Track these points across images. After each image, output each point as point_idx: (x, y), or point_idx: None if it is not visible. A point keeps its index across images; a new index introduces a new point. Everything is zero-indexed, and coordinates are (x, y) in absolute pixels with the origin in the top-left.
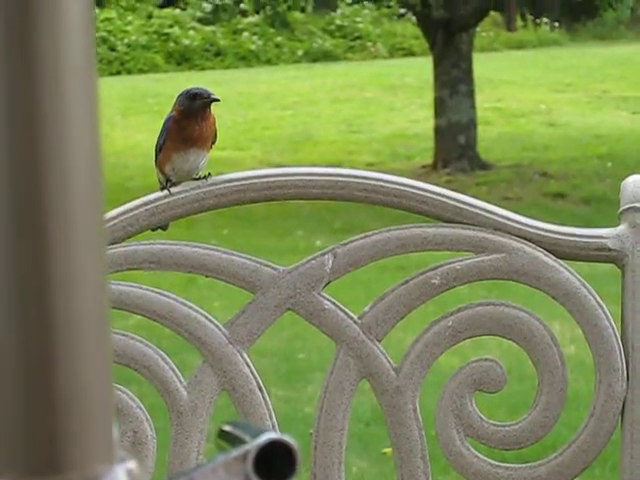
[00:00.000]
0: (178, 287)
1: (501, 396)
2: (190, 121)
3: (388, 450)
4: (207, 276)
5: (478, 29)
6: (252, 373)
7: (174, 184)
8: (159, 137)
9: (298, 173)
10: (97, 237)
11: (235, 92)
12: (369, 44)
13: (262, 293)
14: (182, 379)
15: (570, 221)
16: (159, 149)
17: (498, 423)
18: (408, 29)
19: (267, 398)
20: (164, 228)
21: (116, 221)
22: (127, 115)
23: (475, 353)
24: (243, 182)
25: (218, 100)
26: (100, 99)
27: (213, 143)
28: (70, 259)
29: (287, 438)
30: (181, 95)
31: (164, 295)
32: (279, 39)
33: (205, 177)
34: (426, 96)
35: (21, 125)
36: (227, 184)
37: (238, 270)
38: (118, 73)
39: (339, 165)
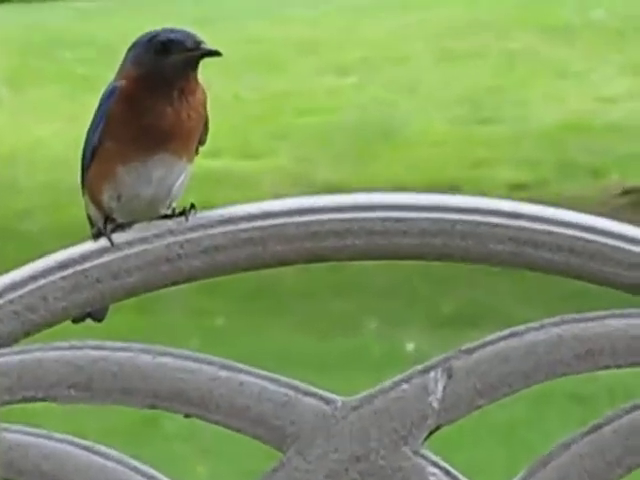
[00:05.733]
0: (125, 436)
1: None
2: (155, 98)
3: None
4: (188, 415)
5: None
6: None
7: (120, 226)
8: (90, 131)
9: (376, 205)
10: None
11: (242, 37)
12: None
13: (298, 451)
14: None
15: None
16: (90, 156)
17: None
18: None
19: None
20: (98, 316)
21: (3, 301)
22: (20, 84)
23: None
24: (261, 223)
25: (217, 54)
26: None
27: (201, 144)
28: None
29: None
30: (137, 44)
31: (97, 452)
32: None
33: (184, 212)
34: (632, 47)
35: None
36: (228, 227)
37: (251, 403)
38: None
39: (454, 188)
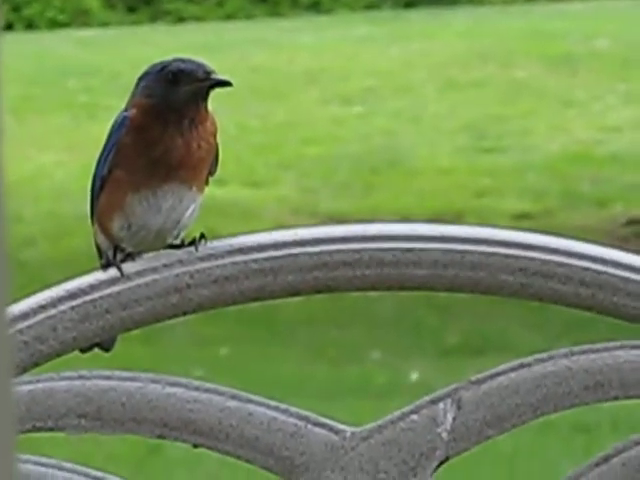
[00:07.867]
0: (129, 463)
1: None
2: (166, 128)
3: None
4: (196, 445)
5: None
6: None
7: (129, 256)
8: (99, 160)
9: (387, 236)
10: None
11: (245, 66)
12: None
13: None
14: None
15: None
16: (100, 185)
17: None
18: None
19: None
20: (107, 346)
21: (12, 331)
22: (25, 113)
23: None
24: (272, 253)
25: (228, 84)
26: None
27: (211, 174)
28: None
29: None
30: (148, 74)
31: None
32: None
33: (194, 242)
34: (636, 76)
35: None
36: (238, 257)
37: (260, 433)
38: (9, 27)
39: (458, 218)
